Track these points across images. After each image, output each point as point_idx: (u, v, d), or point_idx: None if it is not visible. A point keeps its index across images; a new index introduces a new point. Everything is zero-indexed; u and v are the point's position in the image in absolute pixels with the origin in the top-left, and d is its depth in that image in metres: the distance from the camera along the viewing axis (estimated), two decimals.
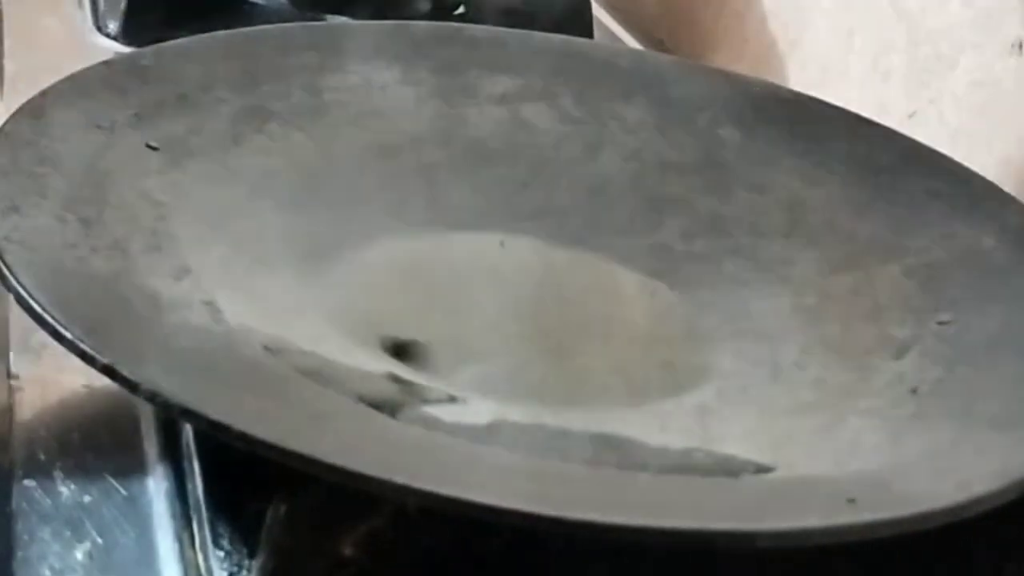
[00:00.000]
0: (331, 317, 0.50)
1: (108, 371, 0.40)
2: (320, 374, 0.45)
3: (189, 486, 0.45)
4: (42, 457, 0.46)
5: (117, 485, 0.45)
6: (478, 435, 0.44)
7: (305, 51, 0.63)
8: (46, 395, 0.49)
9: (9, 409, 0.48)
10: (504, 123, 0.63)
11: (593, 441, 0.45)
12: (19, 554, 0.42)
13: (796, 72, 0.83)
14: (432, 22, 0.79)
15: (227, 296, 0.48)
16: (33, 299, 0.42)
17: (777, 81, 0.80)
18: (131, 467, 0.46)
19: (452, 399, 0.45)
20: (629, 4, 1.01)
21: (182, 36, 0.60)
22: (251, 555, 0.41)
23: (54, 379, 0.49)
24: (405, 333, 0.50)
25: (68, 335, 0.41)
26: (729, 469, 0.43)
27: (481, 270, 0.56)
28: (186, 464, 0.46)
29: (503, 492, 0.39)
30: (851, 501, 0.40)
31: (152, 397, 0.40)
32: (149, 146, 0.55)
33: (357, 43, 0.65)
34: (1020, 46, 0.66)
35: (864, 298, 0.55)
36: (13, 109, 0.53)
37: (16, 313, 0.44)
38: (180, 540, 0.43)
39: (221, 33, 0.63)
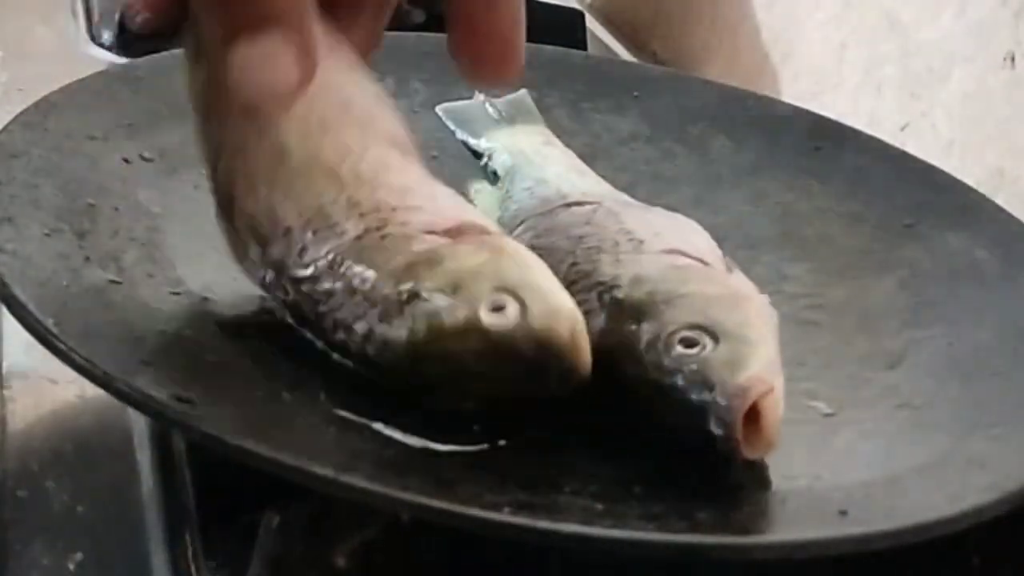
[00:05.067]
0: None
1: (101, 382, 0.40)
2: (315, 384, 0.45)
3: (182, 497, 0.45)
4: (34, 467, 0.46)
5: (110, 496, 0.45)
6: (472, 447, 0.44)
7: None
8: (39, 405, 0.49)
9: (1, 419, 0.48)
10: None
11: None
12: (11, 565, 0.42)
13: (789, 84, 0.84)
14: (426, 33, 0.79)
15: (220, 306, 0.48)
16: (27, 309, 0.42)
17: (770, 93, 0.80)
18: (124, 478, 0.46)
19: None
20: (623, 16, 1.01)
21: (176, 47, 0.60)
22: (244, 566, 0.41)
23: (47, 389, 0.49)
24: None
25: (62, 345, 0.41)
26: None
27: None
28: (179, 475, 0.46)
29: (496, 504, 0.39)
30: (843, 513, 0.40)
31: (145, 408, 0.40)
32: (143, 157, 0.55)
33: None
34: (1012, 59, 0.66)
35: (857, 309, 0.55)
36: (7, 120, 0.53)
37: (9, 323, 0.44)
38: (172, 551, 0.43)
39: None
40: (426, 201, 0.48)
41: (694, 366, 0.43)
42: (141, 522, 0.44)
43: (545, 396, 0.43)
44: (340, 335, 0.45)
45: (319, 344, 0.46)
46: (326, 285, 0.46)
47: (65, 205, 0.50)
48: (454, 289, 0.44)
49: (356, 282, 0.45)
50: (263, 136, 0.48)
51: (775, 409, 0.42)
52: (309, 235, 0.46)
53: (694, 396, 0.42)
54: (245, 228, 0.47)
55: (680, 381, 0.43)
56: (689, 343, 0.44)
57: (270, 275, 0.47)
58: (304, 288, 0.46)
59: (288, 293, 0.46)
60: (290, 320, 0.46)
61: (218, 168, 0.48)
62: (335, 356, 0.45)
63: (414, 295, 0.44)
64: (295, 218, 0.47)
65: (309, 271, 0.46)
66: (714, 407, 0.42)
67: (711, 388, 0.42)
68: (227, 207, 0.48)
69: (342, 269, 0.46)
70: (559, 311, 0.43)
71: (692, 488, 0.42)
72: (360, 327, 0.45)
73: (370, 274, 0.45)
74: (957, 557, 0.45)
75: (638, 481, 0.42)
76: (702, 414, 0.42)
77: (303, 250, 0.46)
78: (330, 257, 0.46)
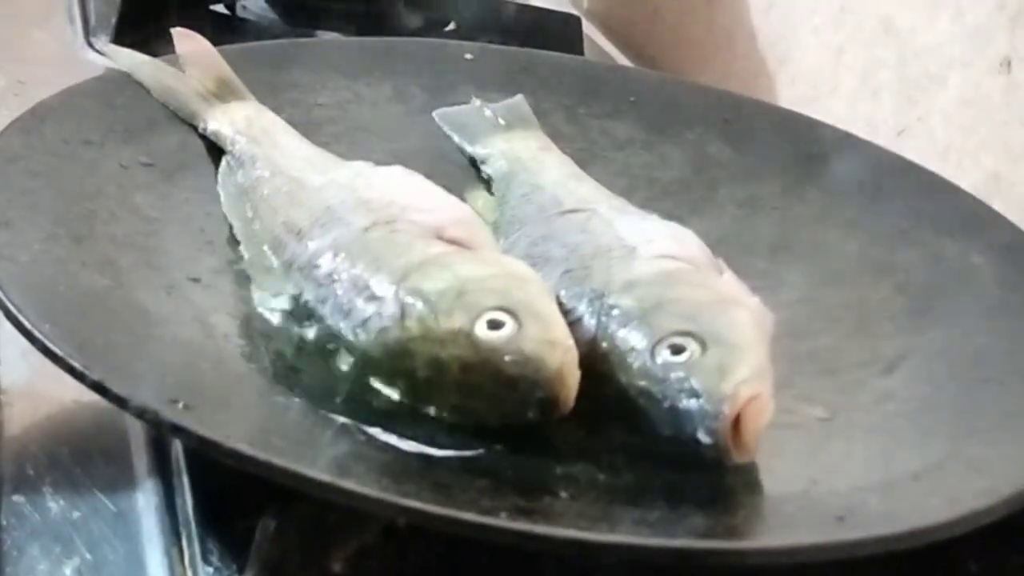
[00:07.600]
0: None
1: (98, 387, 0.40)
2: (311, 389, 0.45)
3: (178, 502, 0.45)
4: (31, 472, 0.46)
5: (106, 501, 0.45)
6: (468, 452, 0.44)
7: (296, 67, 0.63)
8: (35, 410, 0.49)
9: None
10: None
11: None
12: (8, 570, 0.42)
13: (785, 89, 0.84)
14: (422, 38, 0.79)
15: (217, 311, 0.48)
16: (23, 314, 0.42)
17: (766, 98, 0.81)
18: (120, 483, 0.46)
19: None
20: (619, 21, 1.01)
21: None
22: (240, 571, 0.41)
23: (43, 394, 0.49)
24: None
25: (58, 351, 0.41)
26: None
27: None
28: (176, 480, 0.46)
29: (493, 509, 0.39)
30: (840, 518, 0.40)
31: (141, 413, 0.40)
32: (140, 162, 0.55)
33: (348, 59, 0.65)
34: (1008, 64, 0.66)
35: (853, 314, 0.55)
36: (4, 124, 0.53)
37: (6, 328, 0.44)
38: (169, 556, 0.43)
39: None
40: (438, 206, 0.50)
41: (681, 373, 0.43)
42: (138, 527, 0.44)
43: (522, 421, 0.43)
44: (337, 321, 0.46)
45: (314, 334, 0.47)
46: (330, 269, 0.47)
47: (62, 210, 0.50)
48: (457, 295, 0.44)
49: (361, 270, 0.46)
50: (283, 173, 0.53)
51: (758, 415, 0.42)
52: (317, 229, 0.49)
53: (682, 403, 0.42)
54: (265, 245, 0.51)
55: (668, 388, 0.43)
56: (677, 349, 0.44)
57: (281, 273, 0.49)
58: (309, 274, 0.47)
59: (296, 286, 0.48)
60: (295, 320, 0.48)
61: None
62: (330, 353, 0.46)
63: (417, 292, 0.44)
64: (306, 219, 0.50)
65: (314, 257, 0.48)
66: (701, 414, 0.42)
67: (698, 395, 0.42)
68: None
69: (348, 257, 0.47)
70: (554, 341, 0.43)
71: (689, 493, 0.42)
72: (358, 314, 0.45)
73: (376, 265, 0.46)
74: (954, 562, 0.45)
75: (634, 486, 0.42)
76: (690, 421, 0.42)
77: (311, 239, 0.48)
78: (336, 243, 0.48)
